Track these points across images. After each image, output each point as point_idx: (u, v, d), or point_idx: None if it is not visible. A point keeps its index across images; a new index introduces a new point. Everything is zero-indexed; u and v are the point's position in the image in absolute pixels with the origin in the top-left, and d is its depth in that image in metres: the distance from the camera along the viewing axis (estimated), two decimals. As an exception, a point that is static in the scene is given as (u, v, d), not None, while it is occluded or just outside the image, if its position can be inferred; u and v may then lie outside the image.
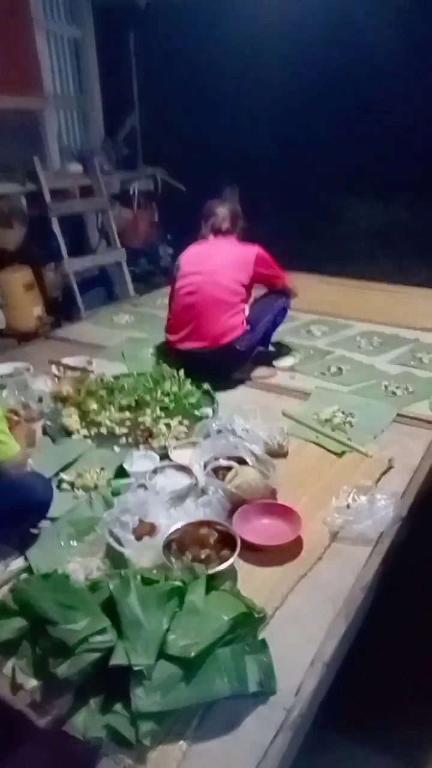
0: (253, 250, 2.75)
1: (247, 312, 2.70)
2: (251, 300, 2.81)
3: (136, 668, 1.16)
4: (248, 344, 2.69)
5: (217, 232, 2.83)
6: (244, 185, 5.52)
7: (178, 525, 1.61)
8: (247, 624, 1.34)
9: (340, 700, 1.36)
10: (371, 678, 1.72)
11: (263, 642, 1.28)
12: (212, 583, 1.44)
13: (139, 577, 1.40)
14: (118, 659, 1.17)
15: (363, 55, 4.91)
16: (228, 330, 2.62)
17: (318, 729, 1.28)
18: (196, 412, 2.38)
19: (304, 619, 1.40)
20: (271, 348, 2.99)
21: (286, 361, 2.90)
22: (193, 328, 2.67)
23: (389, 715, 1.74)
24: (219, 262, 2.71)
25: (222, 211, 2.84)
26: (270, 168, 5.60)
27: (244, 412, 2.24)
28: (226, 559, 1.52)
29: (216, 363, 2.62)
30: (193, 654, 1.19)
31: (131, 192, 5.33)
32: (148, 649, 1.20)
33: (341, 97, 5.22)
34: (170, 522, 1.64)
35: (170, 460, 2.03)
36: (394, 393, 2.56)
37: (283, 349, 3.02)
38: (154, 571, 1.45)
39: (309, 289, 3.81)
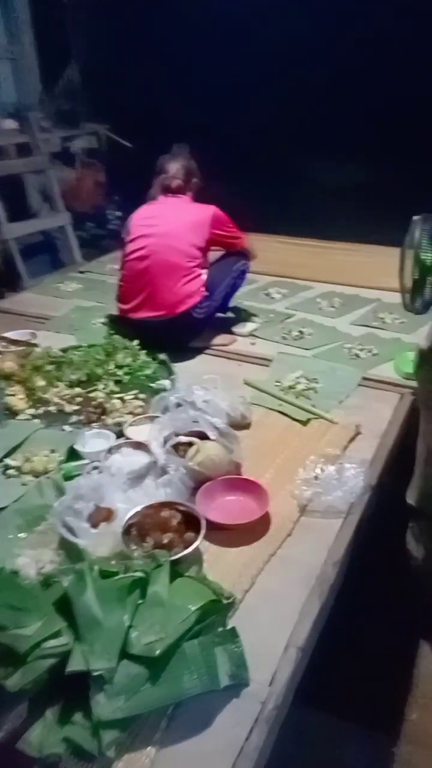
0: (208, 211, 2.57)
1: (204, 277, 2.55)
2: (207, 264, 2.65)
3: (95, 673, 1.05)
4: (207, 311, 2.55)
5: (168, 190, 2.64)
6: (196, 143, 5.27)
7: (138, 508, 1.50)
8: (216, 611, 1.25)
9: (314, 673, 1.30)
10: (344, 650, 1.67)
11: (233, 631, 1.19)
12: (176, 569, 1.33)
13: (96, 569, 1.28)
14: (75, 665, 1.06)
15: (321, 6, 4.68)
16: (185, 297, 2.46)
17: (293, 704, 1.21)
18: (153, 385, 2.25)
19: (276, 601, 1.32)
20: (229, 314, 2.86)
21: (245, 327, 2.78)
22: (146, 295, 2.50)
23: (364, 686, 1.71)
24: (172, 223, 2.53)
25: (173, 167, 2.65)
26: (224, 125, 5.35)
27: (204, 382, 2.11)
28: (191, 542, 1.41)
29: (173, 332, 2.48)
30: (158, 652, 1.09)
31: (73, 151, 5.01)
32: (108, 650, 1.09)
33: (298, 53, 4.98)
34: (129, 506, 1.52)
35: (126, 437, 1.90)
36: (357, 356, 2.49)
37: (241, 314, 2.90)
38: (113, 562, 1.34)
39: (267, 250, 3.67)
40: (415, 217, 2.03)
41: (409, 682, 1.74)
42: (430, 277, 2.01)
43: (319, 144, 5.44)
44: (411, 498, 1.76)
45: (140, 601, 1.22)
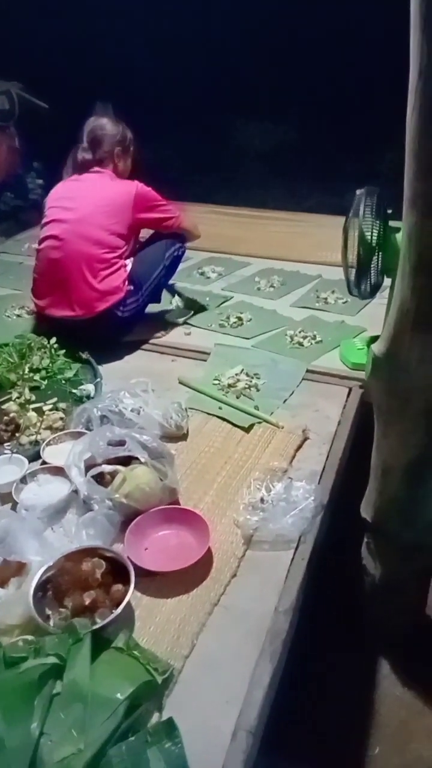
0: (129, 190, 2.21)
1: (129, 267, 2.24)
2: (130, 251, 2.31)
3: None
4: (133, 308, 2.24)
5: (81, 166, 2.27)
6: (119, 104, 4.84)
7: (52, 561, 1.25)
8: (149, 694, 1.04)
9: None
10: (296, 681, 1.51)
11: (170, 723, 0.99)
12: (102, 635, 1.12)
13: (1, 654, 1.05)
14: (-33, 808, 0.83)
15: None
16: (105, 294, 2.15)
17: None
18: (75, 391, 1.98)
19: (221, 668, 1.13)
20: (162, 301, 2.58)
21: (179, 314, 2.52)
22: (62, 292, 2.18)
23: (318, 721, 1.57)
24: (87, 207, 2.17)
25: (87, 136, 2.28)
26: (148, 83, 4.93)
27: (133, 386, 1.87)
28: (119, 600, 1.19)
29: (95, 332, 2.18)
30: (75, 775, 0.87)
31: (-19, 113, 4.48)
32: (11, 777, 0.87)
33: (228, 7, 4.59)
34: (44, 556, 1.28)
35: (43, 461, 1.64)
36: (300, 344, 2.29)
37: (175, 299, 2.63)
38: (20, 642, 1.10)
39: (199, 222, 3.39)
40: (359, 191, 1.81)
41: (372, 710, 1.62)
42: (375, 258, 1.82)
43: (249, 105, 5.14)
44: (366, 512, 1.60)
45: (55, 692, 1.00)
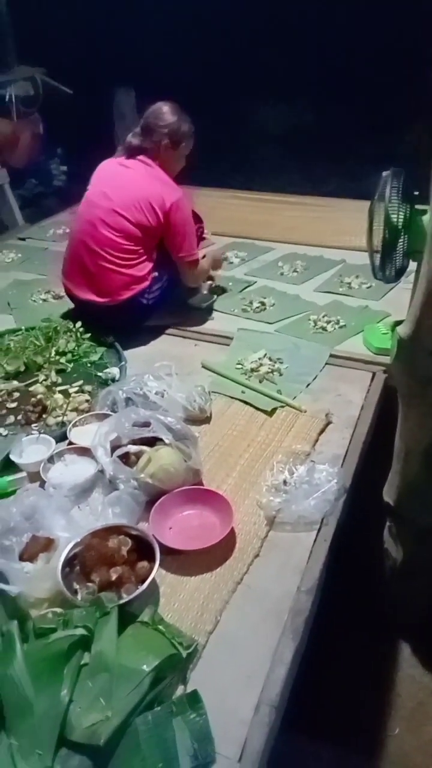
0: (171, 198, 2.11)
1: (155, 257, 2.20)
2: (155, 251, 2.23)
3: (25, 778, 0.86)
4: (158, 294, 2.23)
5: (129, 149, 2.21)
6: (139, 87, 4.81)
7: (79, 538, 1.28)
8: (174, 667, 1.07)
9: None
10: (317, 661, 1.53)
11: (195, 695, 1.01)
12: (128, 610, 1.15)
13: (30, 625, 1.08)
14: (-1, 769, 0.87)
15: None
16: (130, 282, 2.15)
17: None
18: (100, 374, 2.01)
19: (244, 645, 1.15)
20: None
21: (202, 299, 2.52)
22: (88, 275, 2.19)
23: (341, 700, 1.59)
24: (125, 199, 2.12)
25: (145, 119, 2.18)
26: (165, 67, 4.89)
27: (157, 369, 1.89)
28: (144, 576, 1.22)
29: (120, 318, 2.19)
30: (102, 740, 0.90)
31: (7, 99, 4.50)
32: (41, 741, 0.91)
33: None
34: (71, 533, 1.31)
35: (70, 442, 1.67)
36: (324, 329, 2.28)
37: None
38: (49, 614, 1.13)
39: (220, 207, 3.41)
40: (385, 173, 1.79)
41: (391, 691, 1.63)
42: (401, 241, 1.80)
43: (265, 88, 5.06)
44: (388, 496, 1.60)
45: (83, 663, 1.03)
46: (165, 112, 2.15)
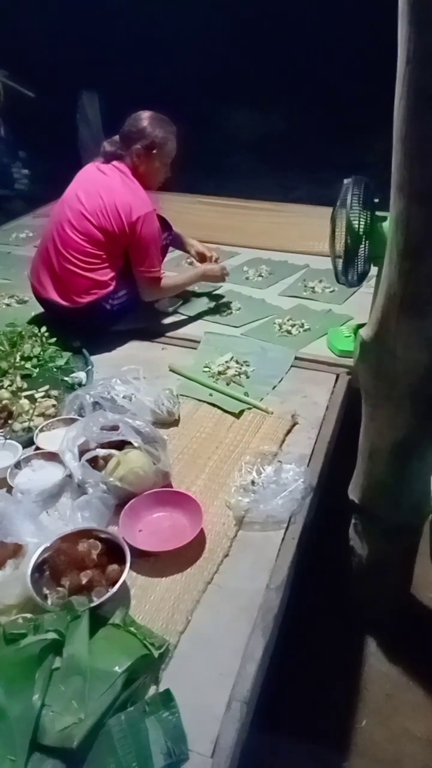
0: (139, 211, 2.08)
1: (120, 265, 2.19)
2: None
3: (-3, 784, 0.86)
4: (123, 301, 2.22)
5: (104, 154, 2.19)
6: (104, 91, 4.80)
7: (49, 543, 1.28)
8: (146, 667, 1.07)
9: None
10: (284, 657, 1.55)
11: (168, 694, 1.02)
12: (99, 613, 1.15)
13: (0, 631, 1.07)
14: (-29, 776, 0.86)
15: None
16: (91, 286, 2.14)
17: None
18: (67, 379, 2.00)
19: (214, 643, 1.16)
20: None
21: (169, 303, 2.53)
22: (54, 275, 2.19)
23: (308, 695, 1.61)
24: (96, 204, 2.11)
25: (125, 125, 2.17)
26: (133, 71, 4.89)
27: (125, 373, 1.89)
28: (115, 579, 1.22)
29: (82, 322, 2.19)
30: (76, 743, 0.90)
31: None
32: (14, 746, 0.90)
33: None
34: (40, 538, 1.30)
35: (37, 447, 1.66)
36: (288, 332, 2.32)
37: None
38: (20, 619, 1.13)
39: (187, 212, 3.42)
40: (346, 180, 1.84)
41: (359, 685, 1.67)
42: (362, 247, 1.85)
43: (237, 93, 5.13)
44: (353, 494, 1.64)
45: (55, 666, 1.03)
46: (141, 118, 2.14)
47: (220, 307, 2.52)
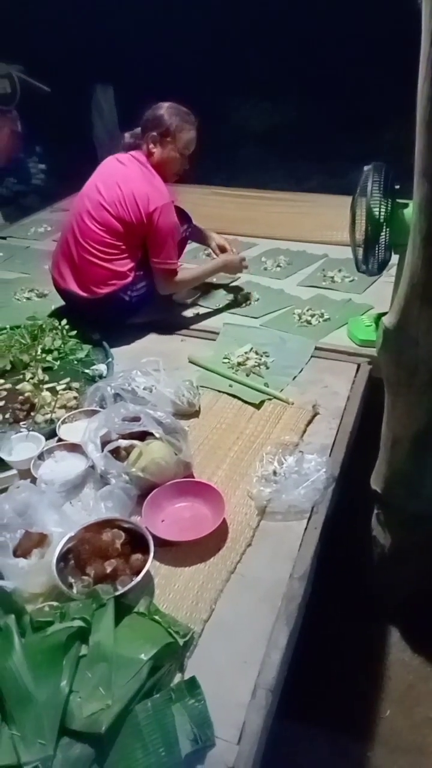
0: (157, 202, 2.08)
1: (139, 256, 2.18)
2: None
3: (27, 767, 0.87)
4: (142, 293, 2.22)
5: (124, 145, 2.22)
6: (119, 84, 4.80)
7: (73, 532, 1.29)
8: (171, 655, 1.08)
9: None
10: (308, 647, 1.56)
11: (193, 681, 1.03)
12: (124, 601, 1.16)
13: (27, 619, 1.09)
14: (1, 758, 0.88)
15: None
16: (110, 276, 2.14)
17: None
18: (88, 371, 2.01)
19: (239, 631, 1.17)
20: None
21: (187, 295, 2.53)
22: (74, 266, 2.20)
23: (331, 684, 1.61)
24: (114, 195, 2.11)
25: (146, 115, 2.16)
26: (147, 64, 4.88)
27: (144, 365, 1.90)
28: (139, 568, 1.23)
29: (101, 314, 2.19)
30: (104, 728, 0.91)
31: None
32: (42, 730, 0.91)
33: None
34: (64, 528, 1.31)
35: (59, 438, 1.67)
36: (308, 322, 2.31)
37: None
38: (45, 605, 1.14)
39: (202, 204, 3.41)
40: (366, 167, 1.83)
41: (382, 674, 1.67)
42: (383, 234, 1.83)
43: (248, 85, 5.09)
44: (376, 484, 1.63)
45: (82, 654, 1.04)
46: (160, 107, 2.14)
47: (238, 298, 2.51)
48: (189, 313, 2.44)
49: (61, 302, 2.36)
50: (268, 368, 2.02)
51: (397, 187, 1.76)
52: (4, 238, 3.38)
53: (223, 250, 2.58)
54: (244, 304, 2.47)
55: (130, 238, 2.14)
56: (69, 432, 1.69)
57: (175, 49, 4.87)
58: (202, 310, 2.45)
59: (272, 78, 4.95)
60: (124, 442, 1.51)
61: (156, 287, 2.24)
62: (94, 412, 1.69)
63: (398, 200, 1.75)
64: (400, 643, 1.76)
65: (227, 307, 2.47)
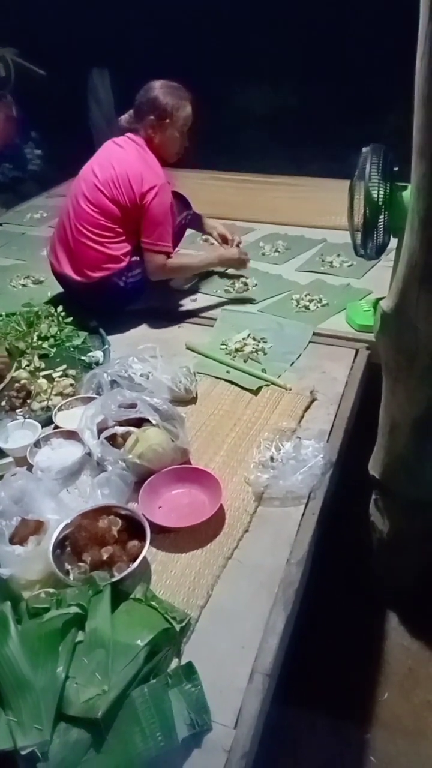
0: (151, 182, 2.04)
1: (135, 242, 2.15)
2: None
3: (24, 752, 0.87)
4: (138, 279, 2.18)
5: (121, 130, 2.17)
6: (115, 68, 4.72)
7: (69, 519, 1.29)
8: (168, 641, 1.08)
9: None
10: (306, 631, 1.56)
11: (190, 667, 1.03)
12: (121, 588, 1.16)
13: (24, 606, 1.09)
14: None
15: None
16: (104, 260, 2.11)
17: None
18: (84, 358, 2.00)
19: (236, 616, 1.17)
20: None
21: (184, 281, 2.51)
22: (69, 249, 2.18)
23: (330, 669, 1.62)
24: (109, 176, 2.08)
25: (138, 96, 2.13)
26: (144, 48, 4.80)
27: (141, 352, 1.88)
28: (135, 555, 1.23)
29: (97, 301, 2.17)
30: (101, 713, 0.91)
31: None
32: (39, 716, 0.91)
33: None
34: (61, 515, 1.31)
35: (56, 426, 1.66)
36: (306, 308, 2.29)
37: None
38: (42, 594, 1.14)
39: (201, 189, 3.37)
40: (364, 149, 1.80)
41: (381, 659, 1.67)
42: (382, 218, 1.81)
43: (245, 67, 5.01)
44: (374, 470, 1.62)
45: (78, 640, 1.04)
46: (152, 88, 2.09)
47: (236, 284, 2.49)
48: (186, 299, 2.41)
49: (58, 289, 2.34)
50: (265, 354, 2.01)
51: (396, 169, 1.73)
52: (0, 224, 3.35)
53: (225, 239, 2.54)
54: (242, 290, 2.45)
55: (126, 222, 2.11)
56: (65, 419, 1.68)
57: (174, 32, 4.79)
58: (199, 297, 2.43)
59: (273, 61, 4.87)
60: (120, 429, 1.50)
61: (148, 273, 2.18)
62: (90, 399, 1.68)
63: (397, 183, 1.72)
64: (399, 629, 1.76)
65: (225, 293, 2.44)
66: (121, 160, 2.10)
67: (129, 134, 2.15)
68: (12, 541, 1.27)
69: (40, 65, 4.62)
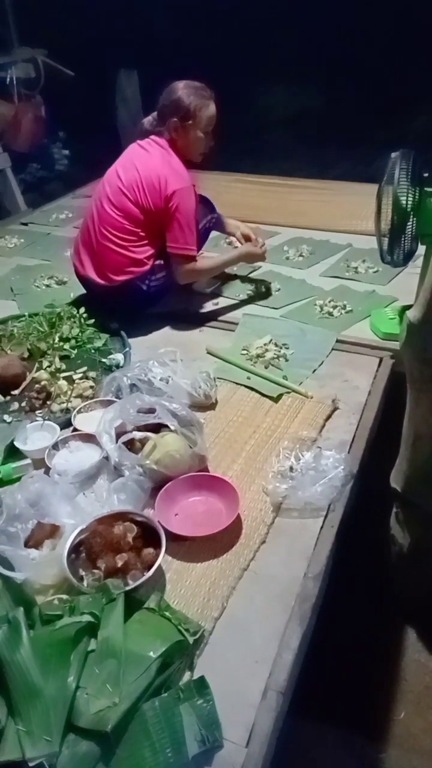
0: (175, 185, 2.02)
1: (158, 245, 2.14)
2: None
3: (33, 763, 0.86)
4: (162, 282, 2.18)
5: (141, 132, 2.17)
6: (143, 69, 4.73)
7: (84, 525, 1.28)
8: (181, 653, 1.07)
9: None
10: (322, 645, 1.53)
11: (202, 681, 1.01)
12: (134, 596, 1.15)
13: (36, 612, 1.08)
14: (7, 754, 0.87)
15: None
16: (127, 264, 2.10)
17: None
18: (105, 360, 2.00)
19: (251, 630, 1.14)
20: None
21: (207, 284, 2.49)
22: (92, 252, 2.18)
23: (346, 684, 1.59)
24: (133, 179, 2.08)
25: (161, 99, 2.12)
26: (171, 49, 4.80)
27: (162, 355, 1.87)
28: (150, 562, 1.21)
29: (119, 303, 2.17)
30: (110, 726, 0.90)
31: (8, 81, 4.42)
32: (49, 726, 0.90)
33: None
34: (77, 520, 1.30)
35: (74, 428, 1.66)
36: (330, 314, 2.25)
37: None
38: (55, 601, 1.13)
39: (225, 192, 3.36)
40: (393, 154, 1.76)
41: (398, 675, 1.63)
42: (410, 224, 1.77)
43: (270, 68, 4.98)
44: (395, 482, 1.59)
45: (90, 649, 1.03)
46: (175, 89, 2.08)
47: (259, 288, 2.46)
48: (208, 303, 2.40)
49: (80, 290, 2.34)
50: (287, 361, 1.98)
51: (426, 175, 1.70)
52: (25, 224, 3.38)
53: (248, 239, 2.53)
54: (264, 295, 2.42)
55: (150, 226, 2.11)
56: (84, 422, 1.68)
57: (200, 34, 4.79)
58: (221, 300, 2.42)
59: (299, 62, 4.83)
60: (138, 434, 1.49)
61: (175, 277, 2.19)
62: (109, 402, 1.67)
63: (426, 189, 1.69)
64: (417, 644, 1.72)
65: (247, 297, 2.42)
66: (146, 163, 2.09)
67: (153, 137, 2.14)
68: (27, 545, 1.27)
69: (69, 66, 4.66)
